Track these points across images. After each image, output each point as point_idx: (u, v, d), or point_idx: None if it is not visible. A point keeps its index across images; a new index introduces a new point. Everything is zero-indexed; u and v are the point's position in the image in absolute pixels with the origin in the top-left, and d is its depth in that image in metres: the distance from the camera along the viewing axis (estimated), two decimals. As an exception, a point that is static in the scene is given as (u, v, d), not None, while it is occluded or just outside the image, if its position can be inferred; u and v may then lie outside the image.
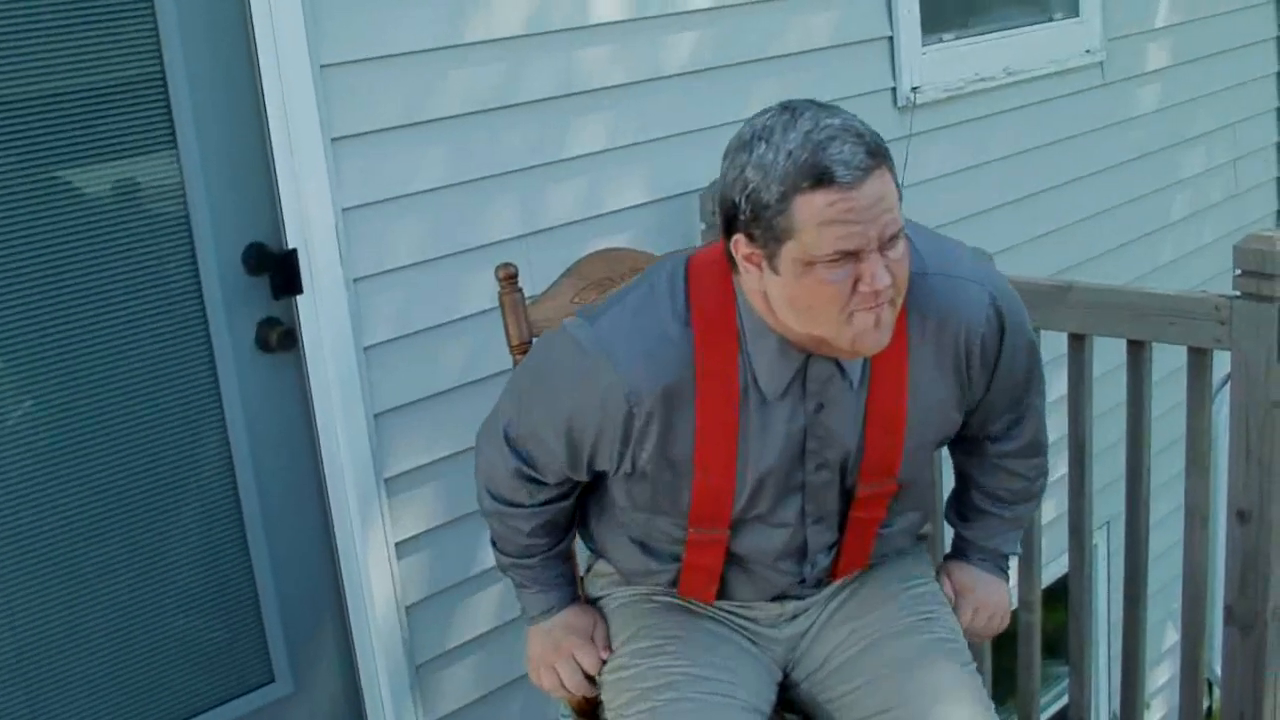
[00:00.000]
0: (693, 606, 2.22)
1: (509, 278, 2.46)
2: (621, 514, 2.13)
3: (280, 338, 2.62)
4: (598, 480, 2.14)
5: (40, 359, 2.38)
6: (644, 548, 2.16)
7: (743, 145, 1.80)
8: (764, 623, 2.21)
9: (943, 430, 2.10)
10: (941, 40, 3.97)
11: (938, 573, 2.35)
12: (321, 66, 2.56)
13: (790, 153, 1.74)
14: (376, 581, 2.76)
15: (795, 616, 2.20)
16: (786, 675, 2.23)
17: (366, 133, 2.65)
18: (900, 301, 1.85)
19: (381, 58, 2.66)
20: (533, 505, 2.14)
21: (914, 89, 3.77)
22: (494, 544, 2.26)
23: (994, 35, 4.18)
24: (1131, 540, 2.74)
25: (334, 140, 2.60)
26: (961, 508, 2.36)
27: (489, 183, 2.86)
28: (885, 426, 2.01)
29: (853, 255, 1.75)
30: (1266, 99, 5.55)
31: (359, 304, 2.67)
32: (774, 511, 2.05)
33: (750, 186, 1.77)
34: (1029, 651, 2.95)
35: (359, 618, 2.79)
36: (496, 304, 2.51)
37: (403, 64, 2.69)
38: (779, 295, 1.82)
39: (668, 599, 2.23)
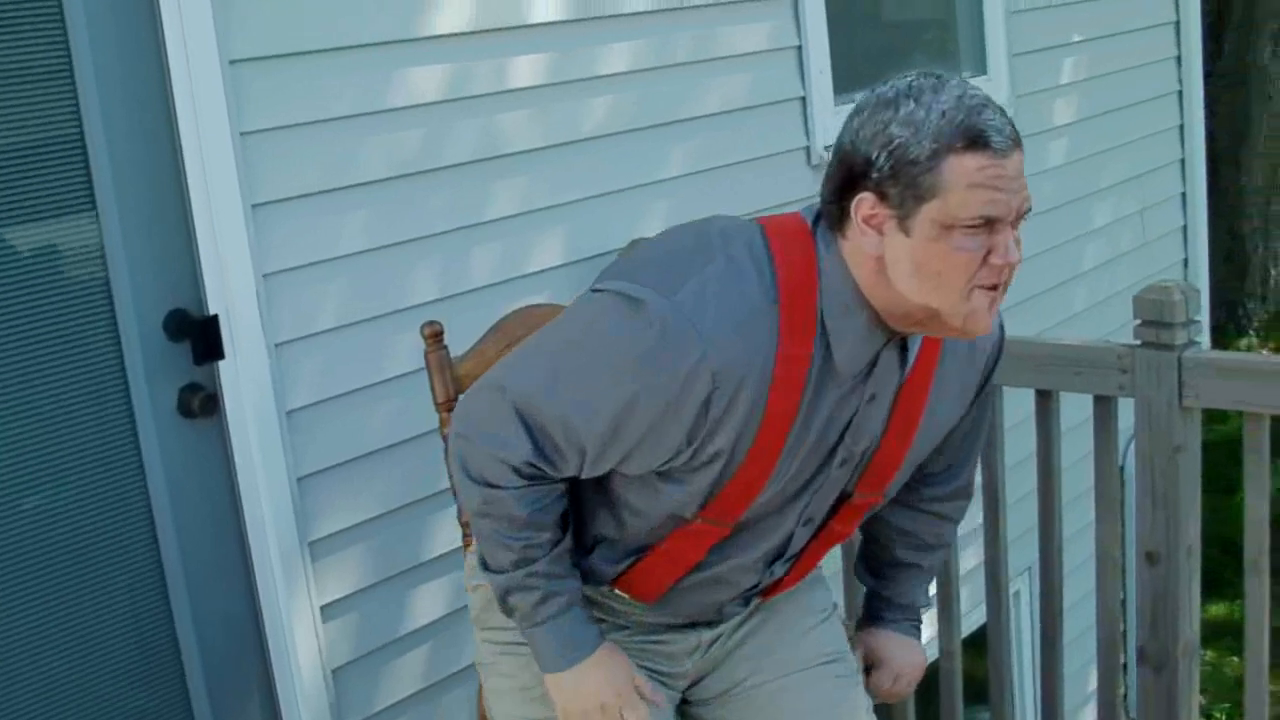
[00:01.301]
0: None
1: (434, 335, 2.49)
2: (615, 513, 1.97)
3: (202, 403, 2.63)
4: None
5: (-40, 429, 2.38)
6: (605, 543, 2.00)
7: (886, 103, 1.75)
8: (676, 659, 2.14)
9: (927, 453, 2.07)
10: (853, 100, 4.04)
11: (851, 642, 2.33)
12: (241, 134, 2.59)
13: (944, 112, 1.70)
14: (302, 645, 2.76)
15: (709, 648, 2.15)
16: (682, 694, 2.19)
17: (287, 198, 2.68)
18: (1008, 286, 1.80)
19: (302, 124, 2.69)
20: (521, 486, 1.90)
21: (827, 147, 3.85)
22: (485, 566, 1.99)
23: (904, 94, 4.26)
24: (1046, 585, 2.80)
25: (254, 206, 2.62)
26: (878, 564, 2.32)
27: (411, 246, 2.89)
28: (900, 434, 1.97)
29: (988, 226, 1.71)
30: (1171, 151, 5.71)
31: (281, 368, 2.69)
32: (783, 507, 1.95)
33: (896, 142, 1.71)
34: (951, 700, 3.00)
35: (285, 681, 2.78)
36: (420, 366, 2.53)
37: (323, 130, 2.73)
38: (904, 258, 1.75)
39: None
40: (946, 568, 2.91)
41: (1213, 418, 7.55)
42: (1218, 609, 6.48)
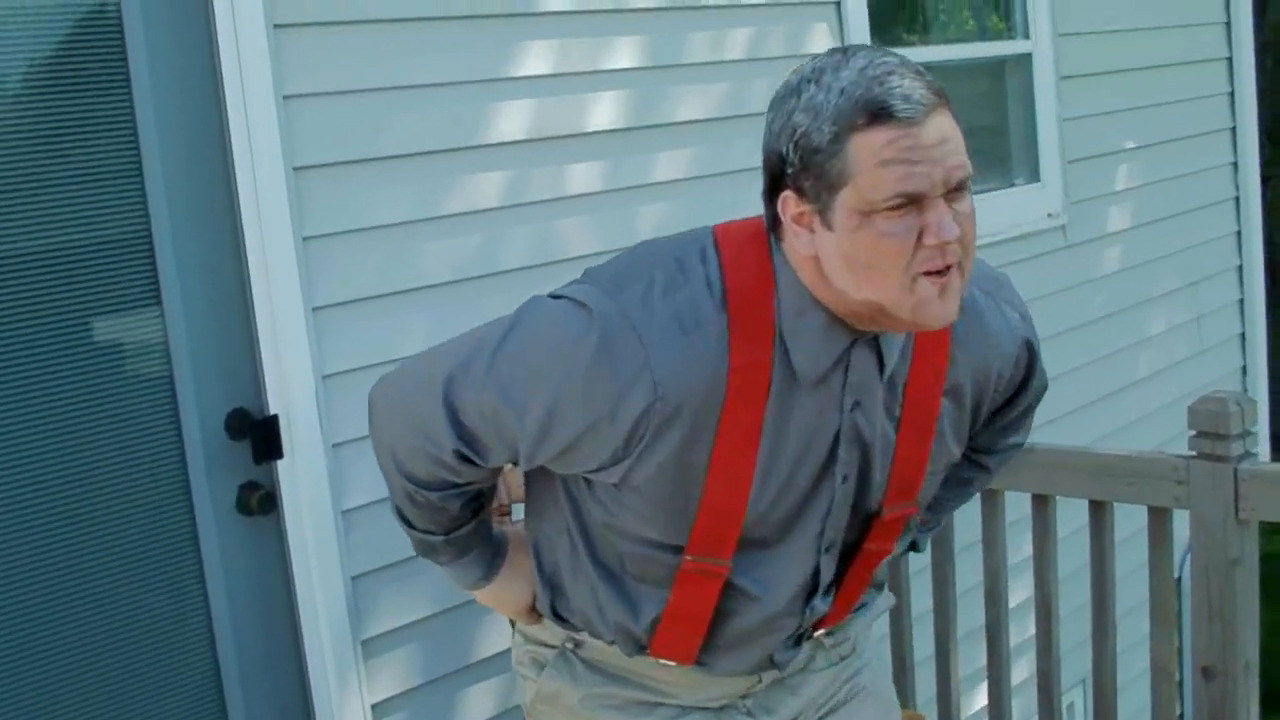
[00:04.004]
0: None
1: None
2: (597, 538, 1.87)
3: (261, 501, 2.66)
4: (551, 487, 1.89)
5: (22, 517, 2.41)
6: (620, 590, 1.88)
7: (790, 91, 1.62)
8: None
9: (956, 454, 1.91)
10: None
11: None
12: (304, 238, 2.65)
13: (843, 90, 1.56)
14: (353, 744, 2.78)
15: None
16: None
17: (348, 302, 2.73)
18: (969, 268, 1.63)
19: (361, 230, 2.75)
20: (458, 487, 1.90)
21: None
22: (401, 518, 2.01)
23: (958, 201, 4.28)
24: (1100, 699, 2.77)
25: (315, 309, 2.67)
26: None
27: (467, 348, 2.92)
28: (919, 435, 1.82)
29: (915, 204, 1.56)
30: (1227, 258, 5.69)
31: (338, 469, 2.72)
32: (787, 535, 1.81)
33: (799, 131, 1.58)
34: (1004, 811, 2.96)
35: (335, 781, 2.79)
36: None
37: (382, 236, 2.78)
38: (833, 255, 1.61)
39: None
40: (999, 678, 2.89)
41: (1275, 527, 7.41)
42: (1277, 726, 6.34)
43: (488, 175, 2.96)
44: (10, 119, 2.37)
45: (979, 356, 1.84)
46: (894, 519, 1.88)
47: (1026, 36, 4.64)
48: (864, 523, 1.86)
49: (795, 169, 1.61)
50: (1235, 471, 2.48)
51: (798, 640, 1.97)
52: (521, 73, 3.01)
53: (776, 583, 1.85)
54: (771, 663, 1.96)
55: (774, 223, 1.68)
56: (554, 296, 1.76)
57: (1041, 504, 2.77)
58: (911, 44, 4.45)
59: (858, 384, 1.74)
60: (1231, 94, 5.61)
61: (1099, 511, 2.70)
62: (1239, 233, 5.74)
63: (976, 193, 4.63)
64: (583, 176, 3.14)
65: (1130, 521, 2.79)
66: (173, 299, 2.55)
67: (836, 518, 1.82)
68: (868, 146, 1.55)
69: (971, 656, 3.25)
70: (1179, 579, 4.06)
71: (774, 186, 1.65)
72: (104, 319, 2.50)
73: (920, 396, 1.80)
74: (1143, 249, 5.09)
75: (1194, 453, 2.53)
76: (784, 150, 1.61)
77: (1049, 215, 4.62)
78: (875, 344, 1.73)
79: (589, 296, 1.70)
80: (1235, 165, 5.69)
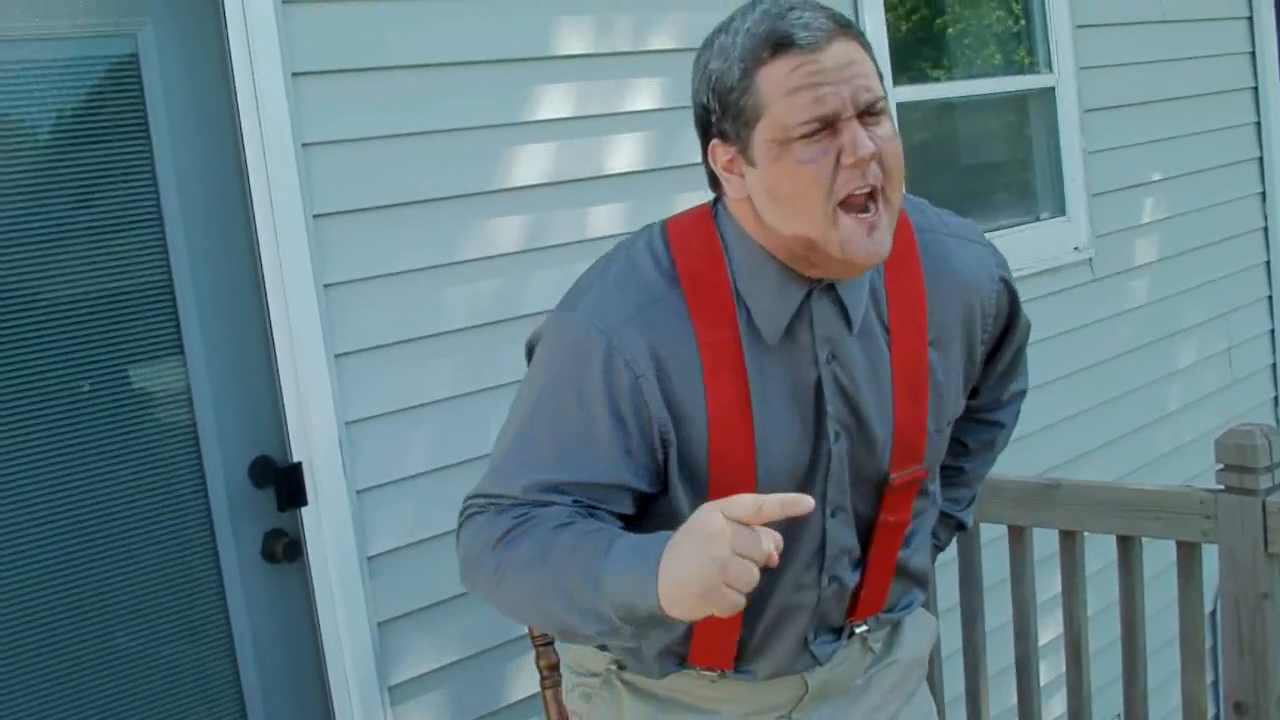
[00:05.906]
0: None
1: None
2: None
3: (286, 549, 2.67)
4: None
5: (48, 566, 2.42)
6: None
7: (705, 45, 1.71)
8: None
9: (957, 408, 1.94)
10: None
11: None
12: (325, 285, 2.66)
13: (748, 30, 1.65)
14: (380, 791, 2.76)
15: None
16: None
17: (369, 348, 2.73)
18: (896, 200, 1.68)
19: (382, 276, 2.75)
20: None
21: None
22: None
23: (982, 236, 4.27)
24: (1133, 736, 2.74)
25: (337, 356, 2.68)
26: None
27: (490, 394, 2.92)
28: (913, 392, 1.84)
29: (829, 128, 1.62)
30: (1258, 287, 5.65)
31: (363, 515, 2.72)
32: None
33: (714, 77, 1.67)
34: None
35: (363, 828, 2.78)
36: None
37: (403, 282, 2.79)
38: (760, 192, 1.68)
39: None
40: (1030, 717, 2.86)
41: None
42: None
43: (508, 219, 2.96)
44: (32, 170, 2.39)
45: (956, 297, 1.88)
46: (904, 483, 1.89)
47: (1050, 70, 4.63)
48: (876, 492, 1.88)
49: (716, 114, 1.69)
50: (1264, 504, 2.46)
51: (837, 633, 1.96)
52: (541, 116, 3.02)
53: (787, 550, 1.77)
54: (813, 658, 1.95)
55: (714, 183, 1.76)
56: (542, 332, 1.85)
57: (1069, 540, 2.75)
58: (936, 78, 4.45)
59: (826, 336, 1.78)
60: (1258, 124, 5.58)
61: (1127, 547, 2.68)
62: (1268, 263, 5.69)
63: (1003, 226, 4.61)
64: (604, 219, 3.14)
65: (1162, 556, 2.77)
66: (194, 347, 2.57)
67: (836, 477, 1.84)
68: (774, 77, 1.63)
69: (1002, 695, 3.22)
70: (1212, 613, 4.02)
71: (704, 140, 1.73)
72: (126, 367, 2.51)
73: (906, 353, 1.83)
74: (1171, 281, 5.06)
75: (1222, 486, 2.51)
76: (705, 100, 1.70)
77: (1075, 249, 4.60)
78: (835, 295, 1.77)
79: (553, 320, 1.81)
80: (1263, 195, 5.66)
